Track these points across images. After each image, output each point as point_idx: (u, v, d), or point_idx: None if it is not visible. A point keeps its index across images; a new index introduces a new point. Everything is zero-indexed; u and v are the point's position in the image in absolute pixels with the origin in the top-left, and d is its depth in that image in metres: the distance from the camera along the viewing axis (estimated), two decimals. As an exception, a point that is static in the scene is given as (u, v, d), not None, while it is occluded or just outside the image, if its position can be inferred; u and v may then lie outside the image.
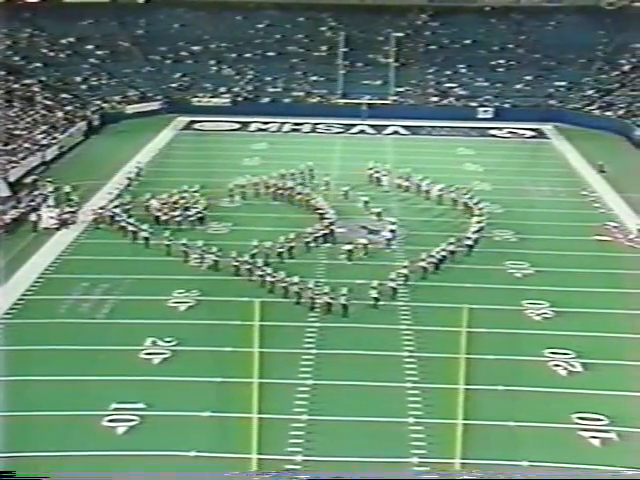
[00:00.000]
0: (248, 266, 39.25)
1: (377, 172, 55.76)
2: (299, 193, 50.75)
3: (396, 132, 74.09)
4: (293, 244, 42.21)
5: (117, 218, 45.78)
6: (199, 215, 46.94)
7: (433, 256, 40.39)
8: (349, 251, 41.89)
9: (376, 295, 36.52)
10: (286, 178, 53.39)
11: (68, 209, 47.50)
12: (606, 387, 30.09)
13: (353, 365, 31.48)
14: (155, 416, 27.97)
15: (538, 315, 36.18)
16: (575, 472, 25.22)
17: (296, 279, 37.33)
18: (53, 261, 41.57)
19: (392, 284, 37.72)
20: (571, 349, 32.80)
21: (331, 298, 35.93)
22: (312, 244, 43.25)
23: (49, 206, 47.54)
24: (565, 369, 31.53)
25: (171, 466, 25.35)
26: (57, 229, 45.84)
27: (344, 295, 35.90)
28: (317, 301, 36.23)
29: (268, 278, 38.06)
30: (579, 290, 38.58)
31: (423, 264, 39.93)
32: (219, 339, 32.88)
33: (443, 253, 41.09)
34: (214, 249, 40.73)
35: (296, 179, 53.74)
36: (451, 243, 42.17)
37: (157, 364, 31.56)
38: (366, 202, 49.73)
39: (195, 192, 49.91)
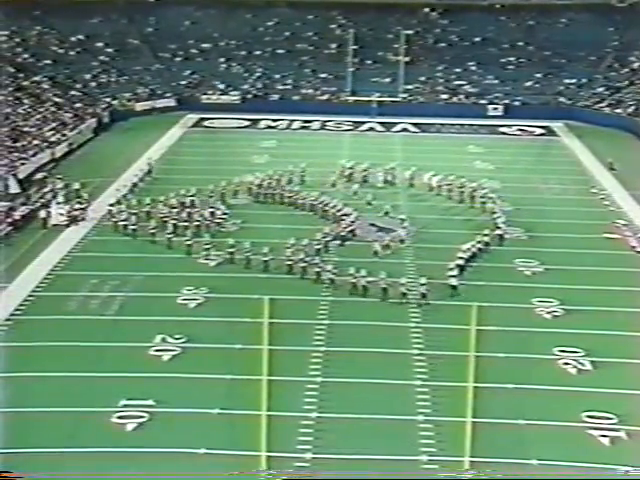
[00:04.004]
0: (304, 263, 39.32)
1: (365, 170, 55.48)
2: (291, 191, 50.73)
3: (405, 130, 74.17)
4: (329, 238, 42.57)
5: (131, 226, 44.70)
6: (219, 219, 46.09)
7: (469, 249, 40.93)
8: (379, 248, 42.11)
9: (456, 283, 37.44)
10: (273, 178, 52.80)
11: (78, 206, 47.56)
12: (615, 385, 29.94)
13: (362, 362, 31.44)
14: (164, 413, 27.97)
15: (548, 313, 36.08)
16: (585, 471, 25.12)
17: (363, 272, 37.56)
18: (62, 258, 41.66)
19: (452, 274, 38.14)
20: (581, 347, 32.67)
21: (407, 289, 36.47)
22: (334, 242, 43.19)
23: (58, 203, 47.61)
24: (574, 367, 31.41)
25: (180, 463, 25.32)
26: (66, 226, 45.90)
27: (423, 284, 36.39)
28: (390, 291, 36.80)
29: (329, 275, 38.24)
30: (589, 288, 38.45)
31: (469, 254, 40.58)
32: (229, 336, 32.90)
33: (479, 245, 41.77)
34: (265, 249, 40.25)
35: (280, 179, 52.95)
36: (486, 235, 42.93)
37: (166, 361, 31.57)
38: (369, 202, 49.93)
39: (192, 196, 48.58)
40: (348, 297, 37.26)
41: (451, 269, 38.41)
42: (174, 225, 43.95)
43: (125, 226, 44.91)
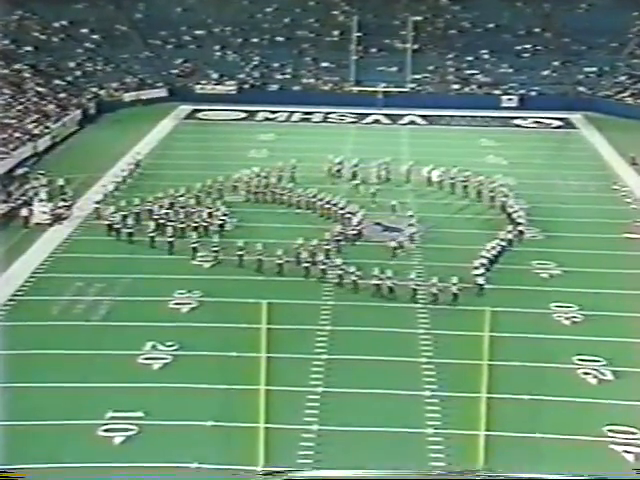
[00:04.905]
0: (323, 265, 39.48)
1: (355, 166, 55.26)
2: (284, 188, 50.69)
3: (413, 122, 74.32)
4: (340, 237, 42.73)
5: (127, 230, 44.00)
6: (220, 220, 45.48)
7: (493, 247, 41.28)
8: (395, 249, 42.29)
9: (482, 281, 37.96)
10: (261, 176, 52.42)
11: (62, 203, 47.56)
12: (639, 397, 29.86)
13: (367, 371, 31.43)
14: (154, 425, 27.91)
15: (566, 319, 36.05)
16: None
17: (389, 273, 37.86)
18: (45, 259, 41.66)
19: (478, 273, 38.36)
20: (601, 356, 32.61)
21: (439, 290, 36.82)
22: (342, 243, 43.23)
23: (41, 200, 47.56)
24: (595, 377, 31.36)
25: (171, 479, 25.25)
26: (50, 225, 45.92)
27: (455, 284, 36.74)
28: (421, 291, 37.43)
29: (352, 277, 38.27)
30: (610, 292, 38.43)
31: (494, 252, 41.03)
32: (223, 343, 32.86)
33: (503, 243, 42.15)
34: (279, 252, 40.11)
35: (268, 177, 52.48)
36: (509, 231, 43.35)
37: (157, 370, 31.56)
38: (373, 193, 50.06)
39: (181, 196, 47.91)
40: (352, 301, 37.35)
41: (476, 268, 38.63)
42: (174, 228, 43.65)
43: (118, 230, 44.24)
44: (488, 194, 50.55)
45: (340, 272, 38.77)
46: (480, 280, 38.05)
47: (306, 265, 39.68)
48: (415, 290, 37.45)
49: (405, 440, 27.44)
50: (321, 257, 39.97)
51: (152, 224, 43.86)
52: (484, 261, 39.62)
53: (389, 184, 53.94)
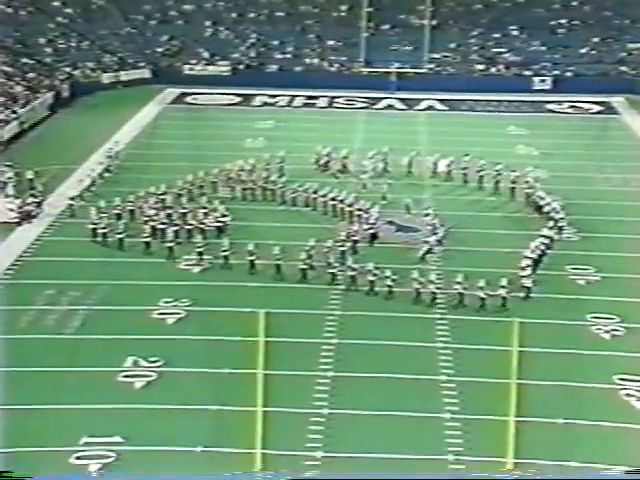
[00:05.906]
0: (353, 272, 39.46)
1: (345, 158, 55.42)
2: (282, 186, 50.55)
3: (431, 107, 74.50)
4: (357, 238, 42.99)
5: (117, 235, 43.58)
6: (219, 222, 45.34)
7: (537, 247, 41.41)
8: (425, 252, 42.56)
9: (530, 284, 38.47)
10: (245, 169, 52.20)
11: (31, 199, 47.61)
12: (690, 421, 29.90)
13: (379, 390, 31.43)
14: (135, 452, 27.84)
15: (606, 332, 36.03)
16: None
17: (433, 277, 38.48)
18: (12, 263, 41.77)
19: (525, 274, 38.81)
20: (647, 374, 32.61)
21: (487, 294, 37.25)
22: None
23: (7, 196, 47.75)
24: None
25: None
26: (17, 224, 46.03)
27: (504, 287, 37.16)
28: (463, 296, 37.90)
29: (388, 282, 38.35)
30: (656, 302, 38.45)
31: (538, 252, 41.25)
32: (214, 358, 32.87)
33: (546, 241, 42.39)
34: (303, 255, 40.10)
35: (254, 170, 52.27)
36: (551, 228, 43.91)
37: (139, 389, 31.54)
38: (384, 197, 49.79)
39: (162, 194, 47.57)
40: (362, 310, 37.43)
41: (523, 269, 38.86)
42: (174, 231, 43.69)
43: (105, 234, 43.93)
44: (509, 186, 50.60)
45: (372, 278, 38.82)
46: (527, 283, 38.34)
47: (332, 270, 39.80)
48: (462, 295, 37.67)
49: (423, 468, 27.31)
50: (350, 261, 40.02)
51: (148, 228, 43.65)
52: (529, 262, 39.73)
53: (389, 177, 53.68)
